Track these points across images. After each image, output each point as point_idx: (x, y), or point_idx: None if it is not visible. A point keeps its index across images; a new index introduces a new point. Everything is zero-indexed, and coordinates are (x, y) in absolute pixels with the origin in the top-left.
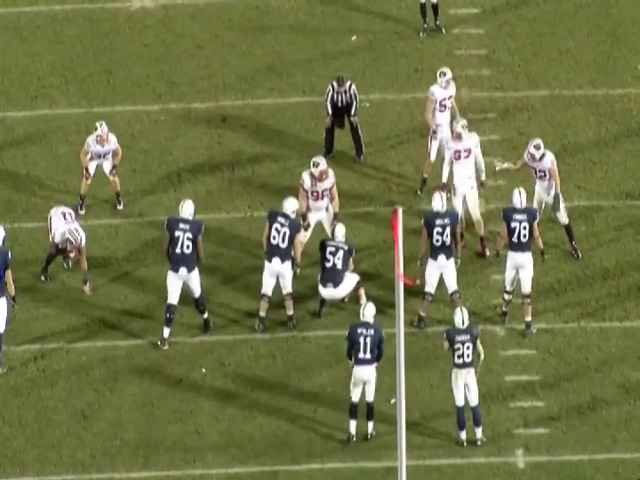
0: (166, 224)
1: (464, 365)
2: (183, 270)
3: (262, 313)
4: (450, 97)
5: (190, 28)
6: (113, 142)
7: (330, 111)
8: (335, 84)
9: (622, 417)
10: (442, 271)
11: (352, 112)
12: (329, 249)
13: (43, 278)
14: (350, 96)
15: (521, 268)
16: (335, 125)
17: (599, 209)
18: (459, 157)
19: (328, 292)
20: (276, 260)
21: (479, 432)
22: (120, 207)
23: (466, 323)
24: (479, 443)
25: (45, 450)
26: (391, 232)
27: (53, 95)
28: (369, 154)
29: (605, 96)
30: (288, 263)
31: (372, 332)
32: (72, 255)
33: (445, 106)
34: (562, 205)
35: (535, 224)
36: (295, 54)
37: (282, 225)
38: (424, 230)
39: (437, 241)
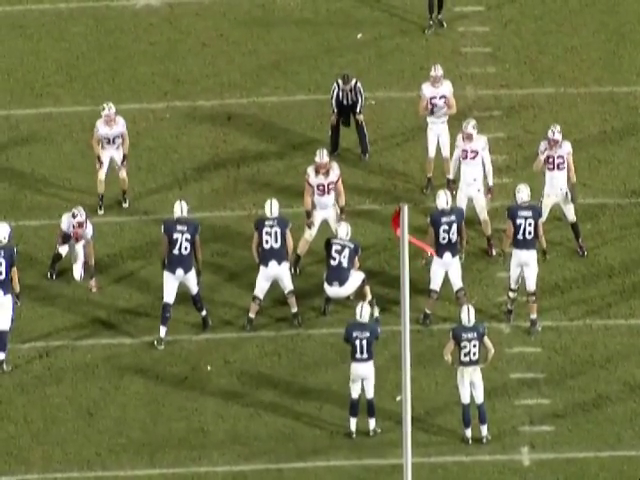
0: (163, 228)
1: (470, 363)
2: (180, 271)
3: (251, 314)
4: (442, 97)
5: (195, 26)
6: (121, 124)
7: (335, 109)
8: (340, 82)
9: (627, 414)
10: (447, 269)
11: (357, 110)
12: (335, 247)
13: (49, 275)
14: (355, 94)
15: (526, 266)
16: (340, 123)
17: (604, 207)
18: (466, 157)
19: (334, 290)
20: (272, 263)
21: (484, 430)
22: (125, 205)
23: (473, 321)
24: (484, 441)
25: (50, 448)
26: (397, 230)
27: (58, 93)
28: (374, 152)
29: (610, 94)
30: (285, 264)
31: (367, 334)
32: (78, 242)
33: (435, 105)
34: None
35: (540, 222)
36: (300, 52)
37: (271, 226)
38: (431, 229)
39: (443, 239)
